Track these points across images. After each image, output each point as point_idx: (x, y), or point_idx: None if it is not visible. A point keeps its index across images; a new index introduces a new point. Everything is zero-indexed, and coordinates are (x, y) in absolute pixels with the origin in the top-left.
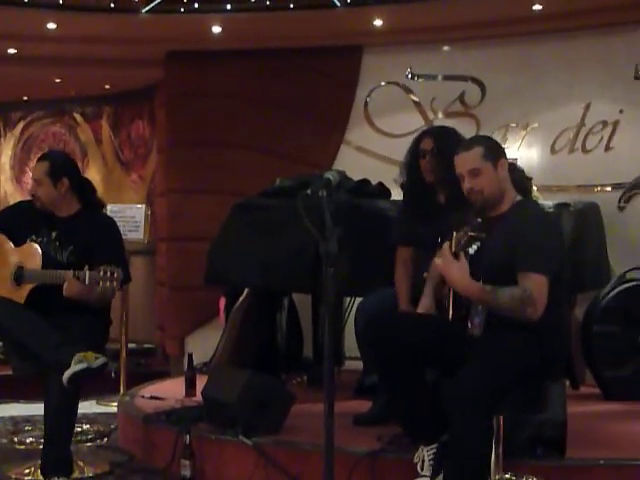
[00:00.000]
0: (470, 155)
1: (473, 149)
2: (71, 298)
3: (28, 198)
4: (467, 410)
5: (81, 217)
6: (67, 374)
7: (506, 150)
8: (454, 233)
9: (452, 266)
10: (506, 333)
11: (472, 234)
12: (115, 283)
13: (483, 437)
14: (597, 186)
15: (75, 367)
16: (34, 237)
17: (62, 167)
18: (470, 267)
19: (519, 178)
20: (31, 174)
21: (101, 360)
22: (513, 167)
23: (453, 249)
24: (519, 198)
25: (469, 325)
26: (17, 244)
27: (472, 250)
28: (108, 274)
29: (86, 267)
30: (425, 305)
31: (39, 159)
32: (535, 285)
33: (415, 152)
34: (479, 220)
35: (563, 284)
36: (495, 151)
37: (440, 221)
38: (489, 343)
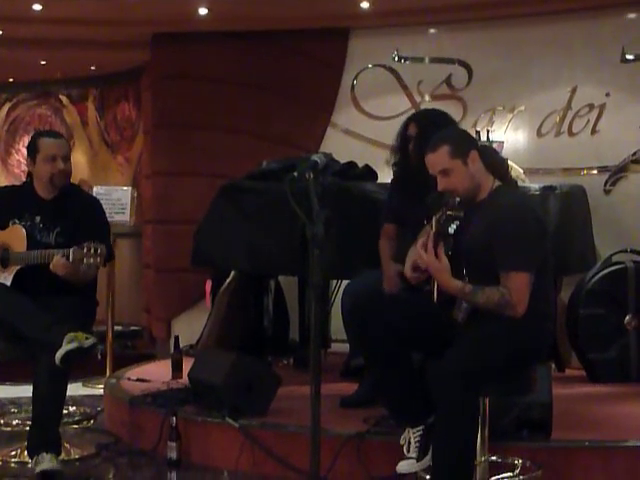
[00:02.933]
0: (437, 156)
1: (439, 149)
2: (57, 277)
3: (13, 183)
4: (453, 392)
5: (66, 198)
6: (59, 354)
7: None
8: (433, 217)
9: (433, 266)
10: (492, 316)
11: (450, 213)
12: (99, 259)
13: (469, 419)
14: (583, 169)
15: (67, 347)
16: (17, 221)
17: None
18: (452, 245)
19: (492, 162)
20: (54, 151)
21: (91, 340)
22: (484, 151)
23: (433, 229)
24: (497, 184)
25: (455, 308)
26: (1, 228)
27: (452, 229)
28: (92, 250)
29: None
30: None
31: (59, 136)
32: (515, 286)
33: (404, 136)
34: (457, 199)
35: (548, 269)
36: (463, 146)
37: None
38: (475, 325)
